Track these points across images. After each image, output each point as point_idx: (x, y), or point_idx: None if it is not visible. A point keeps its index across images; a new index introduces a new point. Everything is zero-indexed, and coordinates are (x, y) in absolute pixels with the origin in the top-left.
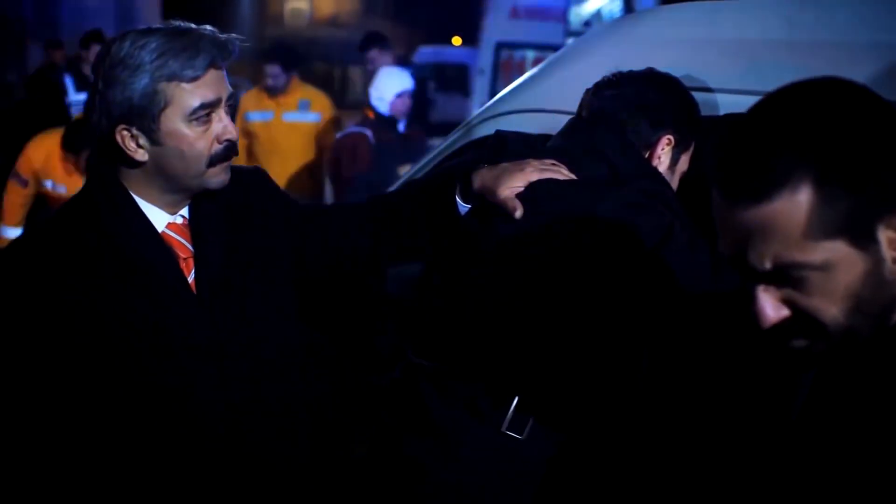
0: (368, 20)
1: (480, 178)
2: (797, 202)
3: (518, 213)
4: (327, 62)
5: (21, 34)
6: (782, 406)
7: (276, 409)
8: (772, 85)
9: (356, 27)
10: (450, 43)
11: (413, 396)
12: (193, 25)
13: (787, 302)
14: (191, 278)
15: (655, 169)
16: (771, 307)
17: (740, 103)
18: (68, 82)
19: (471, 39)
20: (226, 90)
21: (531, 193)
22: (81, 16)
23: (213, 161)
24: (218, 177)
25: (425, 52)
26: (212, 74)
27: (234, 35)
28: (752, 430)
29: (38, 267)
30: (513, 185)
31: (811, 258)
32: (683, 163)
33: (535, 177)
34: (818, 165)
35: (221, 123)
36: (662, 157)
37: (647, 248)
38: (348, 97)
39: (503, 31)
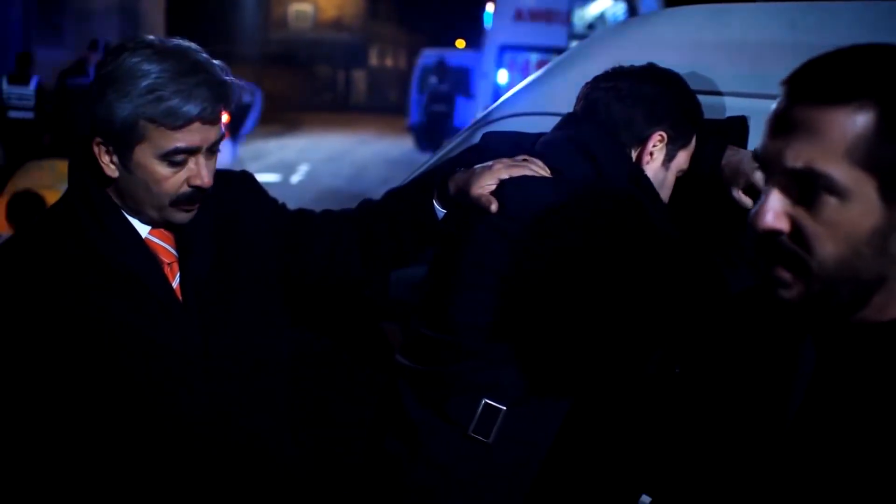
0: (372, 23)
1: (454, 181)
2: (855, 119)
3: (493, 208)
4: (331, 65)
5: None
6: (778, 407)
7: (263, 414)
8: (777, 88)
9: (360, 30)
10: (453, 46)
11: (393, 395)
12: (204, 59)
13: (791, 220)
14: (175, 283)
15: (637, 167)
16: (774, 211)
17: (745, 106)
18: None
19: (474, 42)
20: (213, 136)
21: (502, 192)
22: (85, 20)
23: (178, 202)
24: (180, 215)
25: (429, 55)
26: (197, 125)
27: (235, 81)
28: (748, 431)
29: (19, 275)
30: (483, 184)
31: (838, 176)
32: (681, 160)
33: (504, 174)
34: (891, 100)
35: (196, 168)
36: (655, 153)
37: (608, 249)
38: (352, 100)
39: (507, 34)
